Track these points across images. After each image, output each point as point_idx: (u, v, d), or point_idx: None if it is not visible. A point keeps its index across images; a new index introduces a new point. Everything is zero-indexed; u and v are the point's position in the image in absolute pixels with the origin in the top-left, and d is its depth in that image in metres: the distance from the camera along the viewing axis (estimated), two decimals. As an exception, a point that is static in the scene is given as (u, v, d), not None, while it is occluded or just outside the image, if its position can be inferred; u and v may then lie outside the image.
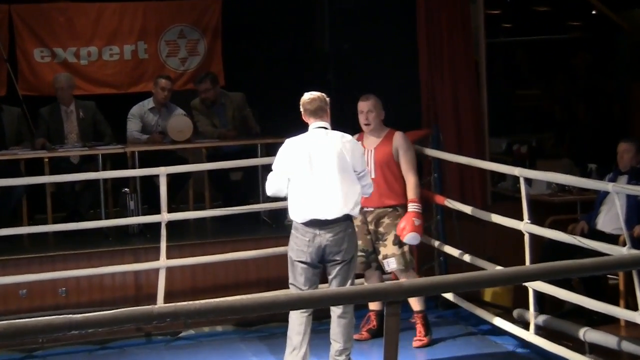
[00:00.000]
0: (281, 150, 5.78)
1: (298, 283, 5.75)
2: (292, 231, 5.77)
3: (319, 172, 5.64)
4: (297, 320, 5.74)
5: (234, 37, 9.23)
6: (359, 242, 6.51)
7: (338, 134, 5.74)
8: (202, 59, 9.09)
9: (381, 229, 6.54)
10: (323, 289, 5.74)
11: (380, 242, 6.54)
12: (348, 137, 5.76)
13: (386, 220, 6.53)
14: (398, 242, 6.49)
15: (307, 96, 5.75)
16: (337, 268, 5.71)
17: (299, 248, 5.70)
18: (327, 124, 5.75)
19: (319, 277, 5.80)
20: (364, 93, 6.65)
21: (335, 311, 5.74)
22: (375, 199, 6.47)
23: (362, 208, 6.49)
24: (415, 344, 6.55)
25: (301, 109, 5.76)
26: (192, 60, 9.07)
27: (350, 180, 5.67)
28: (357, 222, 6.54)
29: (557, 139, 10.11)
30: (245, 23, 9.39)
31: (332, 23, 9.22)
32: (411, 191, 6.48)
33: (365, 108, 6.55)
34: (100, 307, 6.73)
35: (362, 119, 6.56)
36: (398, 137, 6.57)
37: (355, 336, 6.71)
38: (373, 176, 6.42)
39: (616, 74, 10.50)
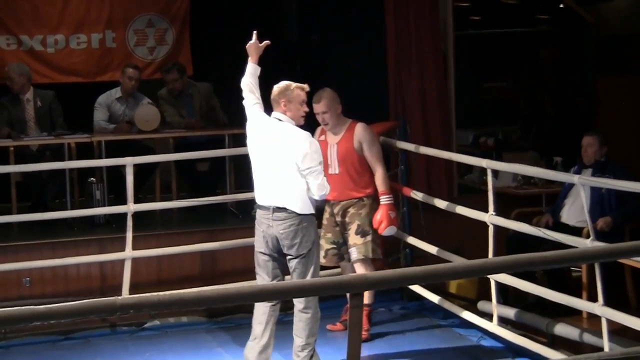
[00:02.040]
0: (256, 113, 5.76)
1: (262, 273, 5.78)
2: (255, 223, 5.79)
3: (265, 160, 5.65)
4: (261, 310, 5.75)
5: (202, 26, 9.19)
6: (329, 235, 6.55)
7: (289, 128, 5.63)
8: (171, 48, 9.04)
9: (347, 219, 6.53)
10: (286, 281, 5.75)
11: (347, 232, 6.54)
12: (299, 133, 5.61)
13: (351, 210, 6.52)
14: (361, 232, 6.47)
15: (276, 86, 5.71)
16: (294, 262, 5.69)
17: (257, 238, 5.74)
18: (282, 115, 5.64)
19: (281, 268, 5.78)
20: (331, 84, 6.64)
21: (297, 306, 5.73)
22: (341, 193, 6.47)
23: (328, 201, 6.52)
24: None
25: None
26: (161, 49, 9.02)
27: (293, 175, 5.58)
28: (325, 214, 6.58)
29: (523, 131, 10.18)
30: (214, 12, 9.35)
31: (300, 14, 9.22)
32: (381, 183, 6.44)
33: (319, 110, 6.41)
34: (65, 298, 6.69)
35: (319, 120, 6.47)
36: (360, 130, 6.45)
37: (329, 326, 6.76)
38: (337, 172, 6.44)
39: (582, 67, 10.58)
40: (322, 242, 6.59)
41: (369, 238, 6.49)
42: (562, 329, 6.07)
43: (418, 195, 7.02)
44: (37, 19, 8.70)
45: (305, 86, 5.75)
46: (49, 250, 7.03)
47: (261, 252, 5.74)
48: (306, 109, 5.75)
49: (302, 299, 5.66)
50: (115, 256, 6.92)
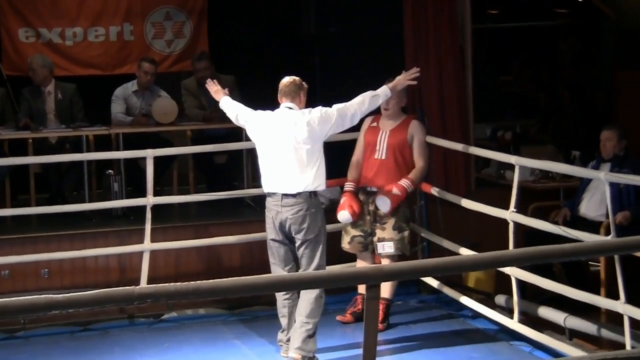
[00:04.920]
0: (257, 111, 6.04)
1: (275, 261, 5.98)
2: (265, 211, 5.97)
3: (276, 147, 5.84)
4: (280, 304, 6.01)
5: (220, 19, 9.20)
6: (360, 222, 6.63)
7: (300, 111, 5.90)
8: (188, 41, 9.05)
9: (381, 212, 6.57)
10: (302, 272, 5.78)
11: (379, 224, 6.59)
12: (308, 111, 5.89)
13: None
14: (398, 228, 6.55)
15: (286, 79, 5.99)
16: (302, 247, 5.87)
17: (268, 226, 5.95)
18: (294, 105, 5.91)
19: (293, 254, 5.96)
20: (349, 77, 6.67)
21: None
22: (381, 180, 6.54)
23: (365, 187, 6.58)
24: None
25: (279, 90, 5.97)
26: (178, 42, 9.03)
27: (306, 157, 5.80)
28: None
29: (541, 125, 10.13)
30: (231, 5, 9.36)
31: (318, 6, 9.20)
32: (413, 173, 6.59)
33: None
34: (83, 290, 6.70)
35: (382, 104, 6.54)
36: (415, 124, 6.69)
37: (339, 317, 6.79)
38: (383, 157, 6.57)
39: (601, 61, 10.52)
40: (350, 228, 6.69)
41: (406, 234, 6.61)
42: (580, 324, 6.04)
43: (437, 191, 7.02)
44: (56, 12, 8.72)
45: None
46: (68, 242, 7.06)
47: (272, 240, 5.94)
48: None
49: None
50: (133, 248, 6.94)
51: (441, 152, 7.83)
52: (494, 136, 9.27)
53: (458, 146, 7.05)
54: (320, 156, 5.88)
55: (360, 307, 6.76)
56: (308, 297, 5.86)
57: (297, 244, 5.89)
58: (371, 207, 6.61)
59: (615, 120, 9.11)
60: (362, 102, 5.97)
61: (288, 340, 6.02)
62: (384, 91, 6.12)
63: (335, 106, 5.95)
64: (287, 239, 5.92)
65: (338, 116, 5.87)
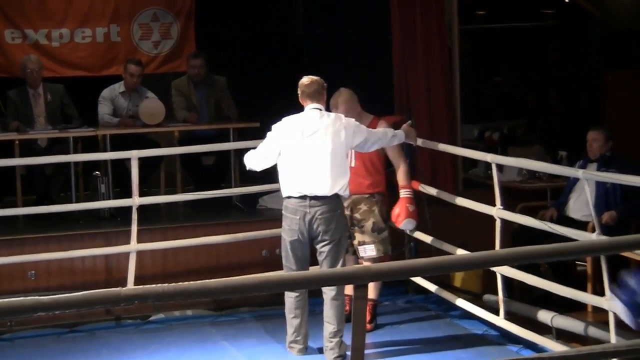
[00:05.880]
0: (275, 126, 5.93)
1: (289, 263, 5.93)
2: (283, 212, 5.93)
3: (310, 149, 5.78)
4: (293, 305, 5.96)
5: (207, 20, 9.18)
6: None
7: (333, 114, 5.90)
8: (175, 43, 9.02)
9: (357, 215, 6.55)
10: (293, 272, 5.77)
11: (357, 227, 6.56)
12: (342, 117, 5.90)
13: (363, 207, 6.55)
14: (377, 229, 6.52)
15: (306, 79, 5.91)
16: (327, 248, 5.85)
17: (289, 227, 5.87)
18: (322, 107, 5.89)
19: (308, 257, 5.94)
20: (337, 78, 6.65)
21: (328, 293, 5.88)
22: (353, 187, 6.47)
23: None
24: None
25: (299, 91, 5.91)
26: (165, 43, 9.00)
27: (340, 160, 5.83)
28: None
29: (529, 126, 10.16)
30: (219, 6, 9.35)
31: (306, 7, 9.21)
32: (402, 178, 6.56)
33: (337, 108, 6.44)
34: (70, 291, 6.67)
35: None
36: (382, 126, 6.49)
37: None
38: (352, 165, 6.48)
39: (588, 62, 10.55)
40: None
41: (385, 234, 6.58)
42: (567, 323, 6.06)
43: (426, 189, 7.02)
44: (43, 13, 8.68)
45: None
46: (55, 243, 7.04)
47: (293, 241, 5.86)
48: None
49: (333, 287, 5.77)
50: (120, 249, 6.93)
51: (429, 153, 7.84)
52: (482, 137, 9.29)
53: (435, 145, 7.04)
54: (347, 162, 5.95)
55: (347, 308, 6.76)
56: (336, 304, 5.88)
57: (321, 244, 5.86)
58: (347, 212, 6.51)
59: (602, 120, 9.14)
60: (384, 135, 6.08)
61: (300, 341, 5.99)
62: (400, 135, 6.23)
63: (364, 128, 5.99)
64: (309, 239, 5.88)
65: (364, 139, 5.91)
